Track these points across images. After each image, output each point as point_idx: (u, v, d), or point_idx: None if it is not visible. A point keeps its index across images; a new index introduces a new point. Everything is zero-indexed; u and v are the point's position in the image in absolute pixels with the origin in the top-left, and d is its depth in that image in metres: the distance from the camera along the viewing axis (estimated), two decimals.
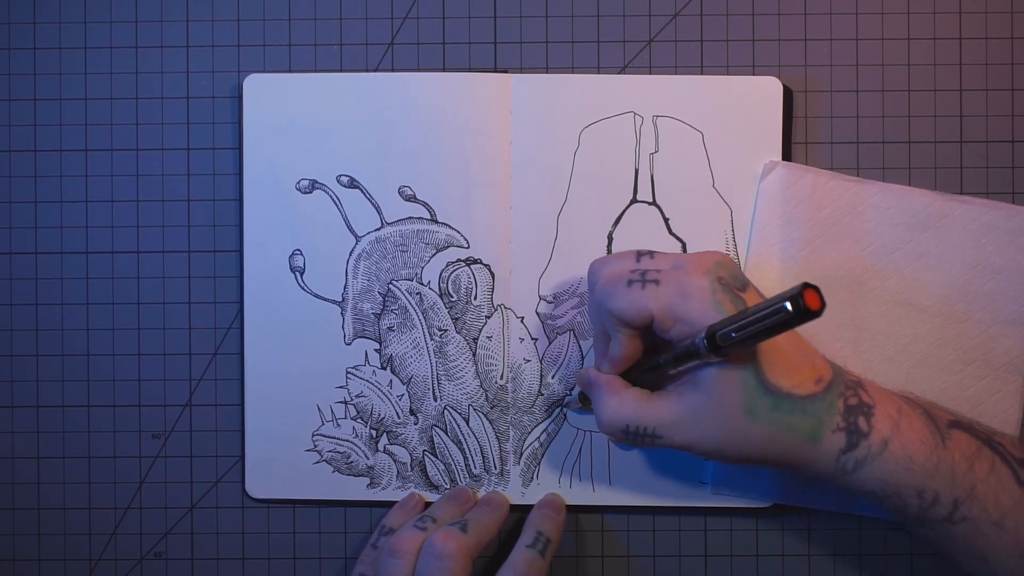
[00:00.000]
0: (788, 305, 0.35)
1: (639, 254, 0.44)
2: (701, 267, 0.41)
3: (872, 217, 0.49)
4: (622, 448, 0.51)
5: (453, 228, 0.50)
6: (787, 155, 0.50)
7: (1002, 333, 0.49)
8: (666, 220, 0.50)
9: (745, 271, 0.49)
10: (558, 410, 0.50)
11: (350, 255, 0.51)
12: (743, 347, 0.38)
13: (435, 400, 0.51)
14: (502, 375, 0.51)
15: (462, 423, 0.51)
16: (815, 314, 0.34)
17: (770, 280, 0.49)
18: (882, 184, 0.50)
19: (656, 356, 0.43)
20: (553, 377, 0.51)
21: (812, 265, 0.49)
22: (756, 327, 0.36)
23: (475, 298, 0.51)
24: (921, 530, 0.42)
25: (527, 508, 0.50)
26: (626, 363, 0.44)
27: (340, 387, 0.51)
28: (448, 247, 0.51)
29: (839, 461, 0.41)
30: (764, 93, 0.50)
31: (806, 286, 0.35)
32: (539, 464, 0.51)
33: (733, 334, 0.37)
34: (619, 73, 0.51)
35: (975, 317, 0.49)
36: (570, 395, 0.51)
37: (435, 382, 0.51)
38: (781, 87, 0.50)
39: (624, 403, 0.43)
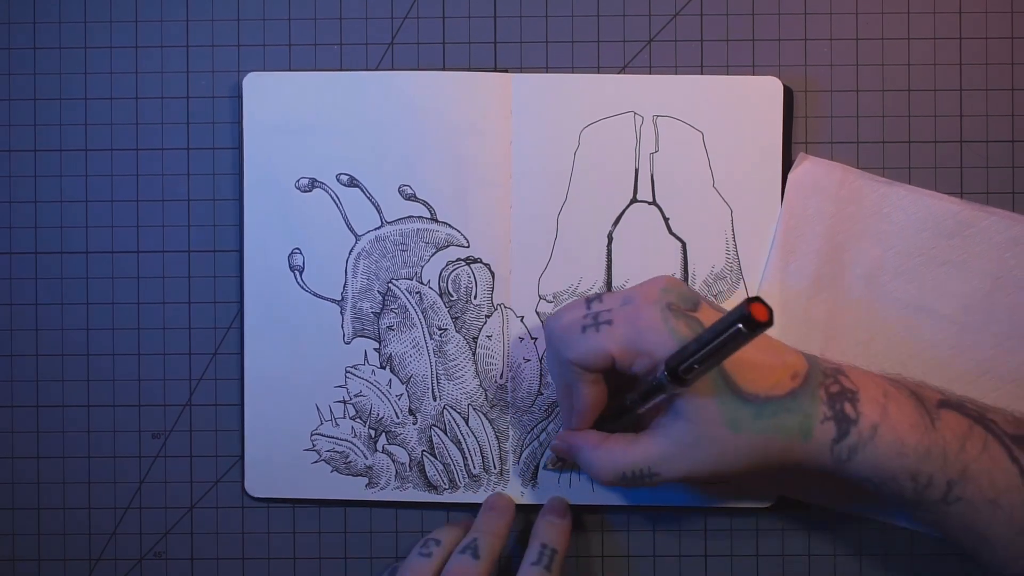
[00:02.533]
0: (740, 325, 0.35)
1: (588, 300, 0.44)
2: (649, 297, 0.42)
3: (897, 219, 0.49)
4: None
5: (453, 227, 0.50)
6: (787, 155, 0.50)
7: (1019, 346, 0.48)
8: (666, 220, 0.50)
9: (768, 264, 0.49)
10: (558, 409, 0.50)
11: (350, 254, 0.51)
12: (706, 372, 0.38)
13: (434, 400, 0.51)
14: (502, 375, 0.51)
15: (461, 423, 0.51)
16: (766, 324, 0.35)
17: (792, 273, 0.49)
18: (910, 187, 0.49)
19: (622, 398, 0.43)
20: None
21: (833, 261, 0.49)
22: (715, 354, 0.37)
23: (475, 297, 0.51)
24: (918, 513, 0.42)
25: (527, 508, 0.50)
26: (594, 412, 0.44)
27: (339, 386, 0.51)
28: (448, 246, 0.51)
29: (834, 451, 0.41)
30: (764, 93, 0.50)
31: (750, 300, 0.35)
32: (539, 464, 0.51)
33: (695, 365, 0.37)
34: (619, 73, 0.51)
35: (993, 328, 0.48)
36: (542, 459, 0.51)
37: (435, 381, 0.51)
38: (781, 87, 0.50)
39: (612, 452, 0.43)
